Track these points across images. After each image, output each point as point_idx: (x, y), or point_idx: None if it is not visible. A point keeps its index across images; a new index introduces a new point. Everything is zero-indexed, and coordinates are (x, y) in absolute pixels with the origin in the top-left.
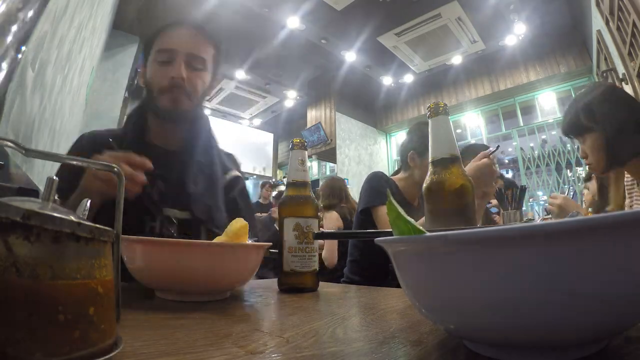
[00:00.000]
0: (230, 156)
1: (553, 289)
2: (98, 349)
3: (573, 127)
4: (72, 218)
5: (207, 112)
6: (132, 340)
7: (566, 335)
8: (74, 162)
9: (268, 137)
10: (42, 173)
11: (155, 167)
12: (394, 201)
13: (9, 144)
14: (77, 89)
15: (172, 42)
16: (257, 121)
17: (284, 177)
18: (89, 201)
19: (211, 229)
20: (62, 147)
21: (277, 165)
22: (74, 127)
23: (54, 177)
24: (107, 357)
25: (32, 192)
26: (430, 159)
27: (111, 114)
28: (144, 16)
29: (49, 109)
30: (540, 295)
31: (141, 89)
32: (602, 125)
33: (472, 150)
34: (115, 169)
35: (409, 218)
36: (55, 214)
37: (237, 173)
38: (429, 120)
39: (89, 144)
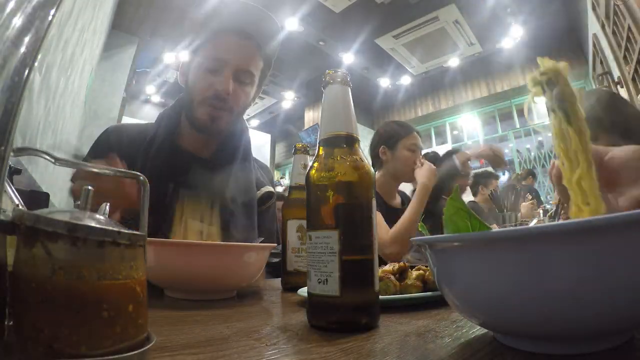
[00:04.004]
0: (265, 169)
1: (613, 280)
2: (135, 342)
3: None
4: (113, 227)
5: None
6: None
7: (606, 326)
8: (100, 171)
9: (265, 138)
10: (45, 174)
11: (180, 173)
12: (459, 197)
13: (44, 155)
14: (78, 89)
15: (224, 51)
16: (255, 122)
17: (281, 178)
18: (108, 205)
19: None
20: (63, 148)
21: (275, 166)
22: (74, 128)
23: (89, 188)
24: (143, 349)
25: (43, 194)
26: (319, 137)
27: (110, 115)
28: (144, 17)
29: (52, 110)
30: (600, 287)
31: (141, 87)
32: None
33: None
34: (141, 178)
35: (473, 213)
36: (98, 225)
37: (270, 189)
38: (324, 90)
39: (115, 137)
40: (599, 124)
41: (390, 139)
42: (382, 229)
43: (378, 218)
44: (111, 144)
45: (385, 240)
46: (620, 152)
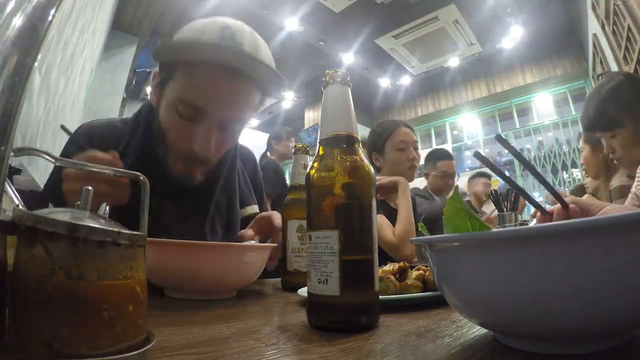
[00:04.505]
0: (248, 158)
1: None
2: (135, 342)
3: (600, 120)
4: (113, 228)
5: None
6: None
7: (606, 325)
8: (100, 171)
9: (265, 138)
10: (45, 174)
11: (157, 184)
12: (459, 197)
13: (45, 155)
14: (78, 89)
15: (203, 97)
16: (255, 122)
17: None
18: (107, 205)
19: None
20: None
21: None
22: (73, 128)
23: (89, 188)
24: (143, 349)
25: (43, 194)
26: (319, 137)
27: (110, 115)
28: (144, 17)
29: (52, 110)
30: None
31: (141, 87)
32: (633, 114)
33: (435, 155)
34: (141, 178)
35: (473, 213)
36: (98, 226)
37: (256, 209)
38: (324, 90)
39: (85, 140)
40: (626, 108)
41: (377, 143)
42: (387, 230)
43: (382, 220)
44: (81, 146)
45: (394, 243)
46: (613, 210)
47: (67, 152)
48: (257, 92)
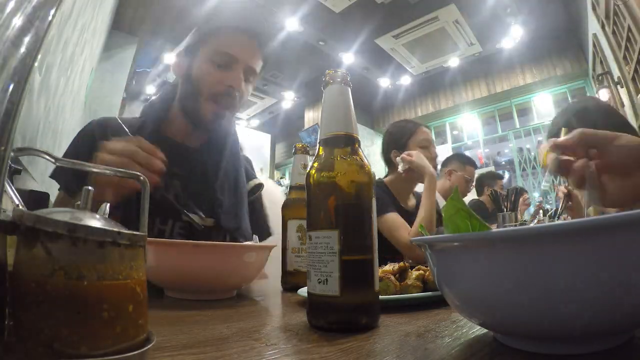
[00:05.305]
0: (249, 161)
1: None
2: (135, 342)
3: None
4: (113, 228)
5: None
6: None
7: (606, 325)
8: (101, 171)
9: (265, 138)
10: (45, 174)
11: (171, 164)
12: (459, 197)
13: (45, 155)
14: (78, 89)
15: (234, 47)
16: (255, 122)
17: (281, 178)
18: (108, 205)
19: (236, 237)
20: (63, 148)
21: (275, 166)
22: (74, 128)
23: (90, 188)
24: (143, 349)
25: (43, 194)
26: (319, 137)
27: (110, 115)
28: (144, 17)
29: (52, 110)
30: (602, 286)
31: (141, 88)
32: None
33: (464, 158)
34: (141, 177)
35: (473, 213)
36: (98, 226)
37: (259, 181)
38: (324, 90)
39: (99, 130)
40: (590, 127)
41: (400, 140)
42: (403, 230)
43: (397, 218)
44: (95, 137)
45: (407, 244)
46: (629, 137)
47: (79, 143)
48: (261, 54)
